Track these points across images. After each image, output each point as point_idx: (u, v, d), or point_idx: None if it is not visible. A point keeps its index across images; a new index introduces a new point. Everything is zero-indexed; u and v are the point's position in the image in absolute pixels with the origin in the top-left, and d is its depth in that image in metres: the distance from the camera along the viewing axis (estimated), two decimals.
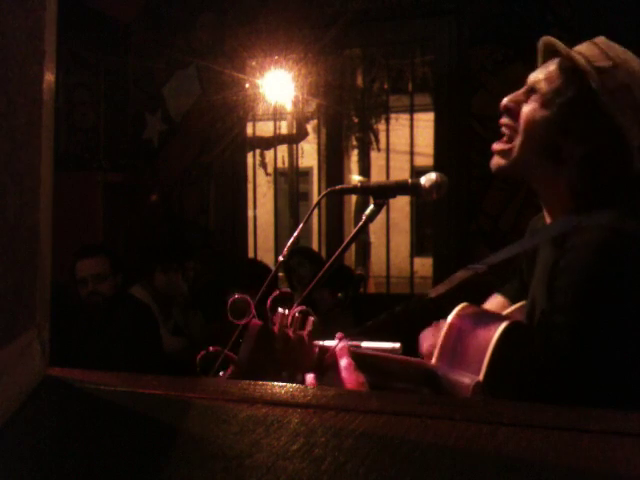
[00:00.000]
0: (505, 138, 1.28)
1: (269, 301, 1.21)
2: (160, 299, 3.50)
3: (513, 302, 1.45)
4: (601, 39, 1.26)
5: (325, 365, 1.20)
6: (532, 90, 1.26)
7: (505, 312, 1.42)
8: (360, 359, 1.23)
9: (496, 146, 1.29)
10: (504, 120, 1.28)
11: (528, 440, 0.69)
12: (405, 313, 1.21)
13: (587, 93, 1.19)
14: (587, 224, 1.14)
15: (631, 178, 1.24)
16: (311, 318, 1.21)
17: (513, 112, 1.27)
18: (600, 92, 1.18)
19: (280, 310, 1.21)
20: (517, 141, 1.25)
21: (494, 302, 1.51)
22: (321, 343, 1.27)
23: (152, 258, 3.59)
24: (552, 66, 1.25)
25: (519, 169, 1.28)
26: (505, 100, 1.28)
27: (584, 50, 1.24)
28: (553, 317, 1.14)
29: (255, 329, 1.20)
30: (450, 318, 1.26)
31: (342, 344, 1.21)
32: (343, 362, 1.20)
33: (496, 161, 1.29)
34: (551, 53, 1.29)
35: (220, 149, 4.33)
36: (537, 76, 1.27)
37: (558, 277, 1.14)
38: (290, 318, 1.21)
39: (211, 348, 1.20)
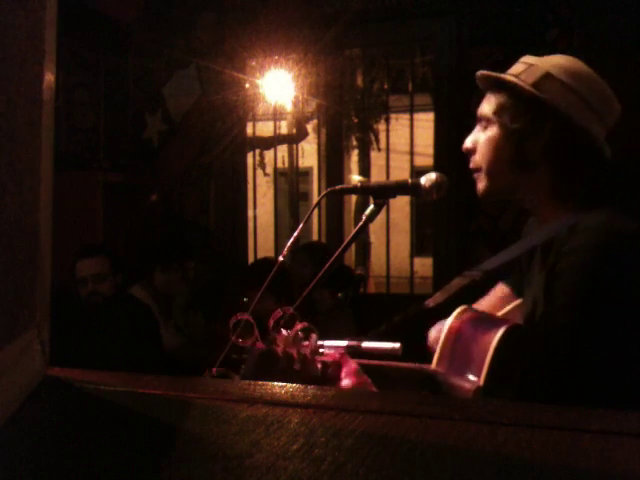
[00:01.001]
0: (476, 173, 1.34)
1: (271, 321, 1.23)
2: (160, 299, 3.50)
3: (517, 293, 1.46)
4: (526, 56, 1.33)
5: (328, 379, 1.20)
6: (479, 121, 1.33)
7: (503, 311, 1.42)
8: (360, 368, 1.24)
9: (474, 174, 1.35)
10: (471, 163, 1.34)
11: (528, 440, 0.69)
12: (404, 323, 1.22)
13: (515, 94, 1.26)
14: (583, 226, 1.15)
15: (619, 176, 1.26)
16: (314, 335, 1.22)
17: (474, 150, 1.33)
18: (520, 84, 1.24)
19: (283, 331, 1.23)
20: (482, 169, 1.31)
21: (498, 292, 1.52)
22: (321, 343, 1.27)
23: (152, 258, 3.59)
24: (489, 93, 1.32)
25: (500, 188, 1.32)
26: (464, 144, 1.34)
27: (509, 70, 1.32)
28: (553, 318, 1.14)
29: (258, 351, 1.21)
30: (449, 322, 1.27)
31: (344, 356, 1.22)
32: (350, 366, 1.21)
33: (477, 187, 1.34)
34: (490, 85, 1.34)
35: (220, 149, 4.33)
36: (479, 109, 1.33)
37: (558, 279, 1.15)
38: (293, 337, 1.22)
39: (214, 369, 1.22)
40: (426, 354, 1.31)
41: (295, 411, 0.78)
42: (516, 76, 1.27)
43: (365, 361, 1.27)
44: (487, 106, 1.31)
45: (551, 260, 1.18)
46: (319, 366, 1.22)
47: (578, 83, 1.24)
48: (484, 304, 1.48)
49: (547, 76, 1.25)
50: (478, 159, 1.31)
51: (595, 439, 0.69)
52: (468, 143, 1.34)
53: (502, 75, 1.28)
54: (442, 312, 1.31)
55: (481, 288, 1.37)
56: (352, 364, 1.22)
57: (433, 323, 1.38)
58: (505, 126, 1.27)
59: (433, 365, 1.25)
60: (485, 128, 1.30)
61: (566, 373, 1.12)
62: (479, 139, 1.32)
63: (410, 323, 1.22)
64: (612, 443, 0.68)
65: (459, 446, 0.68)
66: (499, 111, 1.28)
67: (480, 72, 1.33)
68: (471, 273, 1.27)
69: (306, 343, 1.24)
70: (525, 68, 1.28)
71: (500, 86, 1.29)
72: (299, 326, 1.22)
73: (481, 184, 1.32)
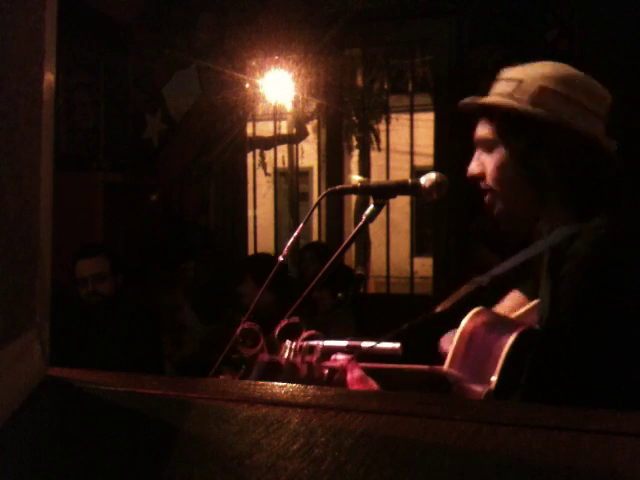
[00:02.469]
0: (489, 198, 1.32)
1: (276, 331, 1.23)
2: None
3: (531, 298, 1.46)
4: (503, 71, 1.32)
5: (334, 385, 1.21)
6: (478, 146, 1.31)
7: (518, 313, 1.42)
8: (368, 372, 1.25)
9: (486, 197, 1.33)
10: (482, 185, 1.32)
11: (528, 440, 0.69)
12: (412, 330, 1.22)
13: (512, 115, 1.24)
14: (586, 231, 1.15)
15: (617, 181, 1.26)
16: (319, 344, 1.22)
17: (482, 174, 1.31)
18: (516, 105, 1.23)
19: (287, 342, 1.23)
20: (495, 193, 1.29)
21: (512, 298, 1.52)
22: (322, 343, 1.27)
23: (152, 259, 3.61)
24: (483, 119, 1.31)
25: (518, 209, 1.31)
26: (469, 171, 1.32)
27: (493, 91, 1.31)
28: (556, 323, 1.15)
29: (263, 363, 1.22)
30: (463, 323, 1.27)
31: (351, 362, 1.23)
32: (355, 374, 1.21)
33: (495, 210, 1.32)
34: (481, 110, 1.33)
35: (220, 149, 4.33)
36: (475, 135, 1.32)
37: (561, 284, 1.15)
38: (298, 346, 1.22)
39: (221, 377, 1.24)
40: (431, 360, 1.31)
41: (295, 411, 0.79)
42: (509, 96, 1.25)
43: (374, 365, 1.27)
44: (486, 130, 1.30)
45: (554, 264, 1.18)
46: (325, 372, 1.22)
47: (570, 89, 1.24)
48: (499, 309, 1.48)
49: (541, 90, 1.23)
50: (489, 182, 1.30)
51: (595, 439, 0.69)
52: (474, 169, 1.32)
53: (497, 102, 1.27)
54: (450, 319, 1.31)
55: (489, 294, 1.37)
56: (358, 371, 1.23)
57: (440, 330, 1.38)
58: (511, 146, 1.25)
59: (445, 366, 1.25)
60: (490, 151, 1.29)
61: (568, 377, 1.13)
62: (485, 162, 1.30)
63: (417, 330, 1.22)
64: (612, 443, 0.68)
65: (459, 446, 0.68)
66: (501, 133, 1.26)
67: (468, 102, 1.32)
68: (479, 279, 1.27)
69: (315, 343, 1.24)
70: (515, 86, 1.26)
71: (495, 111, 1.27)
72: (304, 335, 1.23)
73: (498, 208, 1.31)
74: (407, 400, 0.89)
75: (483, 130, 1.30)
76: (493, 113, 1.28)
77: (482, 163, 1.31)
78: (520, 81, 1.26)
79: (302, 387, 0.91)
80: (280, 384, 0.91)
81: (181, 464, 0.65)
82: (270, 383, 0.92)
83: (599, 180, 1.24)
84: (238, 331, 1.23)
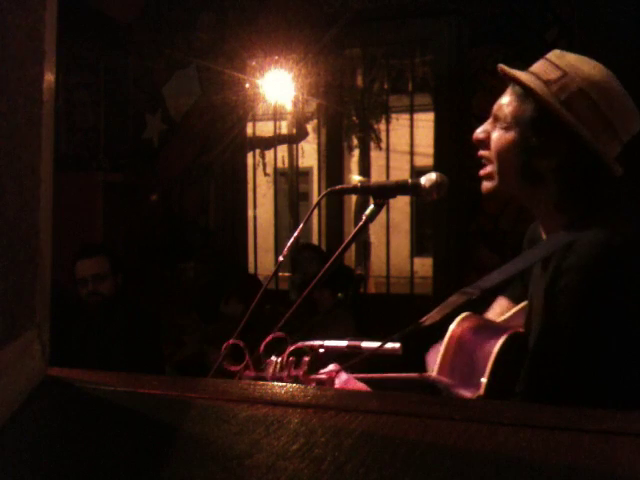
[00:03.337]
0: (486, 167, 1.31)
1: (262, 346, 1.23)
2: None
3: (517, 301, 1.45)
4: (554, 52, 1.27)
5: None
6: (496, 118, 1.28)
7: (506, 315, 1.42)
8: (359, 381, 1.25)
9: (481, 172, 1.32)
10: (480, 152, 1.32)
11: (528, 440, 0.69)
12: (401, 340, 1.22)
13: (542, 109, 1.21)
14: (580, 242, 1.14)
15: (616, 185, 1.24)
16: (305, 358, 1.22)
17: (485, 142, 1.30)
18: (552, 103, 1.19)
19: (273, 358, 1.23)
20: (494, 168, 1.28)
21: (499, 305, 1.52)
22: (322, 343, 1.27)
23: (152, 259, 3.62)
24: (509, 90, 1.28)
25: (504, 193, 1.31)
26: (475, 133, 1.31)
27: (535, 68, 1.26)
28: (554, 323, 1.15)
29: (249, 379, 1.22)
30: (451, 329, 1.26)
31: (339, 373, 1.23)
32: (342, 378, 1.21)
33: (484, 185, 1.32)
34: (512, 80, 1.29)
35: (220, 149, 4.33)
36: (499, 103, 1.29)
37: (556, 298, 1.15)
38: (284, 361, 1.22)
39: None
40: (421, 370, 1.31)
41: (295, 411, 0.78)
42: (548, 84, 1.21)
43: (364, 375, 1.27)
44: (508, 107, 1.25)
45: (550, 275, 1.18)
46: (313, 385, 1.23)
47: (606, 103, 1.20)
48: (488, 315, 1.48)
49: (580, 94, 1.19)
50: (491, 155, 1.28)
51: (595, 439, 0.69)
52: (480, 133, 1.30)
53: (536, 88, 1.21)
54: (438, 330, 1.30)
55: (478, 306, 1.37)
56: (344, 375, 1.23)
57: (429, 341, 1.38)
58: (524, 137, 1.23)
59: (434, 373, 1.25)
60: (503, 129, 1.26)
61: (568, 377, 1.13)
62: (493, 134, 1.28)
63: (406, 342, 1.21)
64: (612, 443, 0.68)
65: (459, 446, 0.68)
66: (521, 119, 1.23)
67: (511, 72, 1.26)
68: (468, 291, 1.26)
69: (315, 343, 1.24)
70: (558, 77, 1.21)
71: (528, 91, 1.22)
72: (291, 347, 1.23)
73: (490, 183, 1.30)
74: (407, 400, 0.89)
75: (505, 106, 1.26)
76: (522, 92, 1.24)
77: (489, 131, 1.29)
78: (565, 74, 1.21)
79: (302, 387, 0.91)
80: (280, 384, 0.91)
81: (181, 464, 0.65)
82: (270, 383, 0.92)
83: (597, 190, 1.24)
84: (223, 348, 1.24)
